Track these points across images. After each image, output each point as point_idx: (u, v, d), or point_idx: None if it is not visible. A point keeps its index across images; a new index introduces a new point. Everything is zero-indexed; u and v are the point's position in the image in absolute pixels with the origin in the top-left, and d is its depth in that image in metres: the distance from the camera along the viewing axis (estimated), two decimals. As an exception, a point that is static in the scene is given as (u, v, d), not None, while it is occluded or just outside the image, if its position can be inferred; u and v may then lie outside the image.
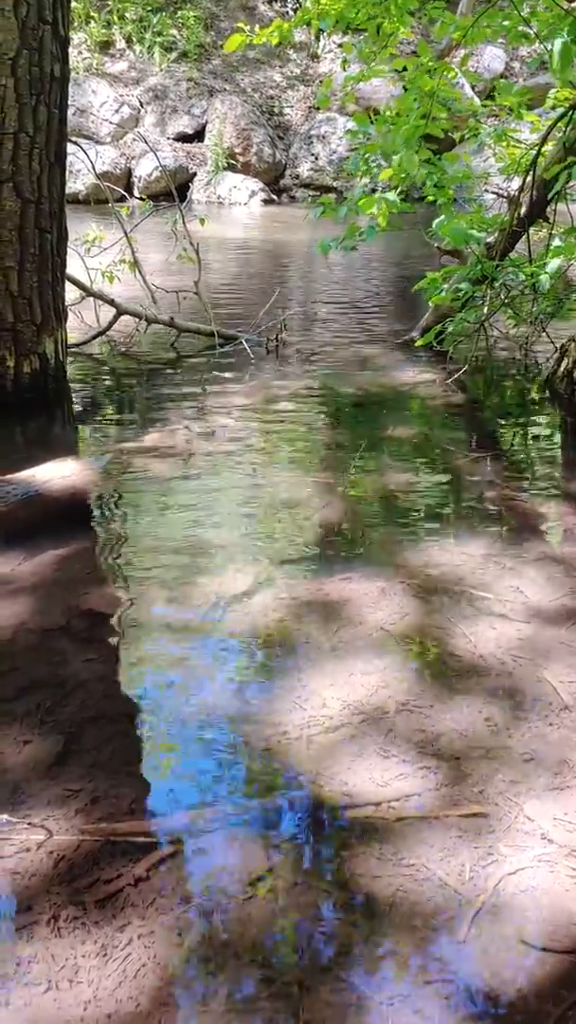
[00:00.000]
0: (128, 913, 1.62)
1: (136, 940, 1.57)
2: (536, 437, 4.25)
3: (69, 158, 4.51)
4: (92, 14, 14.68)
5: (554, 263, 4.36)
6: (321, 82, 14.98)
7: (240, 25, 5.51)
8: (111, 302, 5.41)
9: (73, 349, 5.10)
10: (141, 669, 2.37)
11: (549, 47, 3.76)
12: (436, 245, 5.54)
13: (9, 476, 3.44)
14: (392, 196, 4.08)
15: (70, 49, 4.27)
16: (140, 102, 14.45)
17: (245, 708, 2.19)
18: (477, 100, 12.23)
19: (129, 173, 13.56)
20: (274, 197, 14.07)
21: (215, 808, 1.88)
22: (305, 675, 2.32)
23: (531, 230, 5.14)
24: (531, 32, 4.77)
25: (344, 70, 5.94)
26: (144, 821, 1.83)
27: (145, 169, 13.30)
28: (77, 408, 4.48)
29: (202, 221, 5.93)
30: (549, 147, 4.96)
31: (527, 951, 1.57)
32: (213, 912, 1.62)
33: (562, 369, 4.70)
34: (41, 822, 1.81)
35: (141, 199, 6.30)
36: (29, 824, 1.81)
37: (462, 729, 2.11)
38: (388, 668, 2.34)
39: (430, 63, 4.65)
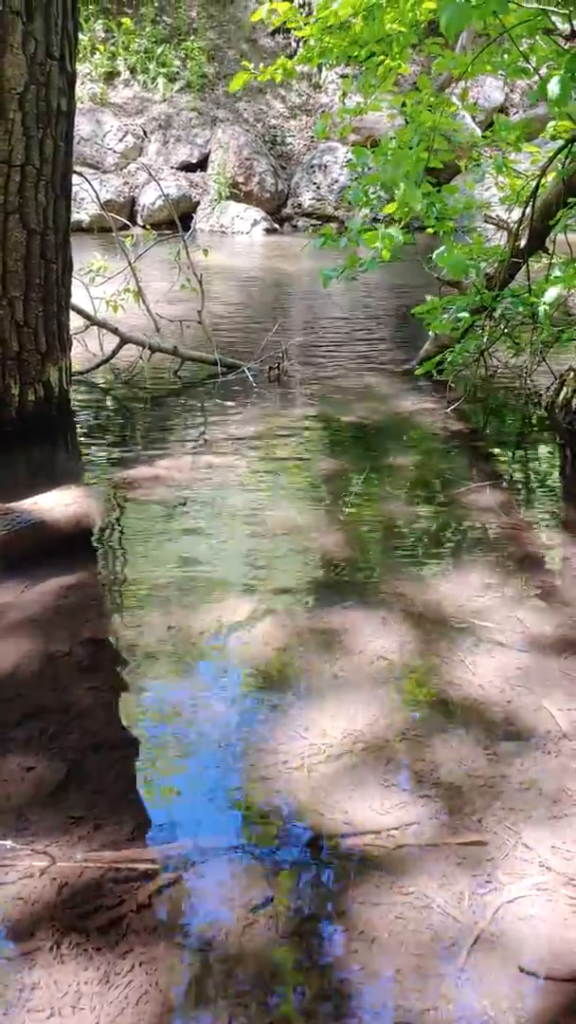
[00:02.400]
0: (130, 940, 1.63)
1: (138, 967, 1.58)
2: (535, 467, 4.29)
3: (73, 188, 4.58)
4: (98, 46, 14.89)
5: (552, 292, 4.41)
6: (323, 112, 15.17)
7: (245, 64, 5.60)
8: (115, 331, 5.47)
9: (77, 377, 5.14)
10: (143, 697, 2.39)
11: (548, 84, 3.83)
12: (437, 276, 5.59)
13: (13, 504, 3.47)
14: (395, 231, 4.14)
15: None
16: (144, 131, 14.61)
17: (246, 736, 2.21)
18: (478, 131, 12.37)
19: (133, 202, 13.70)
20: (276, 226, 14.19)
21: (216, 836, 1.89)
22: (306, 704, 2.34)
23: (531, 260, 5.19)
24: (530, 67, 4.85)
25: (343, 103, 6.04)
26: (146, 848, 1.85)
27: (149, 198, 13.43)
28: (81, 436, 4.52)
29: (205, 252, 6.00)
30: (549, 178, 5.03)
31: (525, 979, 1.58)
32: (214, 939, 1.64)
33: (561, 398, 4.74)
34: (44, 848, 1.83)
35: (144, 228, 6.37)
36: (32, 850, 1.83)
37: (461, 758, 2.13)
38: (388, 697, 2.36)
39: (430, 98, 4.73)
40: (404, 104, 4.75)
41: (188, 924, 1.67)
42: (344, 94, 5.67)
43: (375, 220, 5.89)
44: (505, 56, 5.00)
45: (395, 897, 1.73)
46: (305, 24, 4.94)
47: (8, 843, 1.84)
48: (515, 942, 1.65)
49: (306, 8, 12.75)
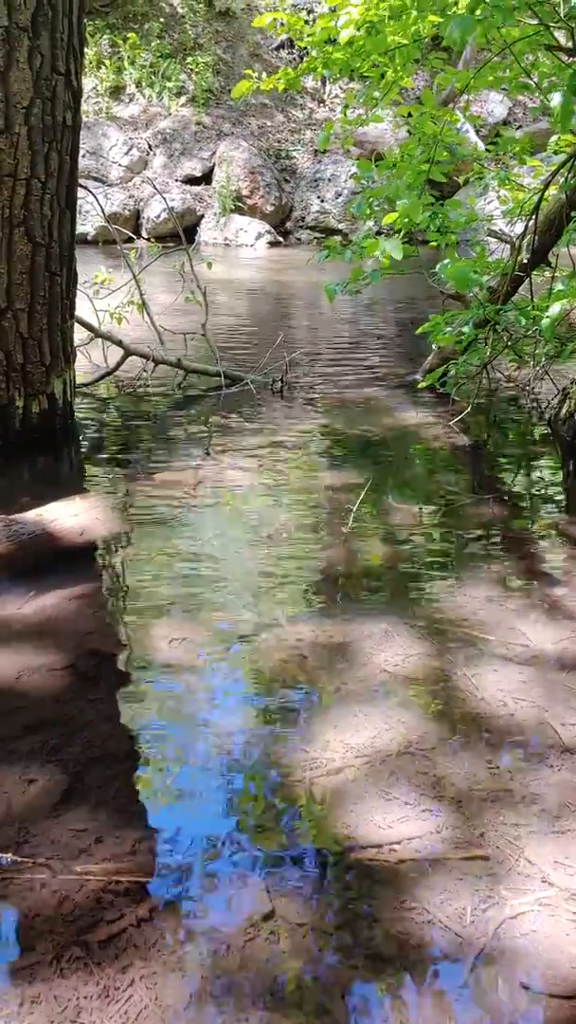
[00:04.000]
0: (130, 954, 1.63)
1: (138, 981, 1.57)
2: (539, 480, 4.29)
3: (79, 201, 4.60)
4: (104, 60, 14.99)
5: (555, 307, 4.42)
6: (326, 123, 15.23)
7: (248, 72, 5.63)
8: (119, 343, 5.49)
9: (81, 389, 5.16)
10: (145, 709, 2.39)
11: (550, 98, 3.84)
12: (440, 289, 5.61)
13: (17, 515, 3.47)
14: (395, 243, 4.14)
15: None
16: (149, 145, 14.69)
17: (248, 750, 2.21)
18: (481, 145, 12.42)
19: (138, 215, 13.76)
20: (280, 239, 14.24)
21: (217, 849, 1.89)
22: (308, 717, 2.33)
23: (534, 274, 5.21)
24: (532, 83, 4.87)
25: (346, 115, 6.07)
26: (147, 861, 1.84)
27: (154, 211, 13.49)
28: (84, 448, 4.53)
29: (209, 265, 6.02)
30: (552, 192, 5.05)
31: (528, 996, 1.57)
32: (215, 954, 1.63)
33: (564, 412, 4.74)
34: (45, 861, 1.83)
35: (149, 241, 6.40)
36: (33, 863, 1.82)
37: (464, 772, 2.12)
38: (391, 710, 2.36)
39: (433, 111, 4.75)
40: (409, 115, 4.77)
41: (189, 938, 1.67)
42: (346, 107, 5.69)
43: (379, 232, 5.90)
44: (507, 71, 5.03)
45: (397, 912, 1.72)
46: (309, 36, 4.97)
47: (9, 856, 1.84)
48: (517, 958, 1.64)
49: (311, 22, 12.82)
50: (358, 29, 4.49)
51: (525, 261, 5.04)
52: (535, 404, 5.35)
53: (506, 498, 3.94)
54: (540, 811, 2.00)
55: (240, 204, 14.12)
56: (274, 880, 1.80)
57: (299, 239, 14.52)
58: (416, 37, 4.75)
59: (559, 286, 4.82)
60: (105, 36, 15.20)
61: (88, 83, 14.51)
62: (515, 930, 1.69)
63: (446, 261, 4.71)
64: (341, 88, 15.78)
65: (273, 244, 13.93)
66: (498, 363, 5.44)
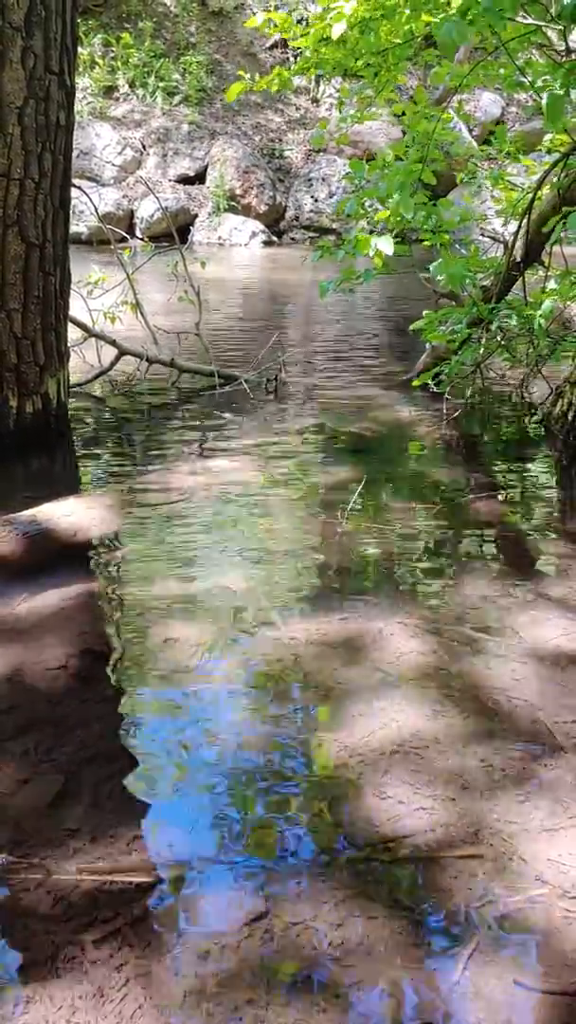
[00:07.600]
0: (125, 953, 1.63)
1: (133, 981, 1.57)
2: (532, 478, 4.29)
3: (72, 201, 4.60)
4: (97, 60, 14.97)
5: (547, 304, 4.43)
6: (320, 121, 15.23)
7: (241, 73, 5.63)
8: (112, 343, 5.48)
9: (75, 389, 5.15)
10: (139, 710, 2.39)
11: (542, 97, 3.85)
12: (433, 288, 5.61)
13: (11, 515, 3.47)
14: (387, 240, 4.15)
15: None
16: (143, 144, 14.68)
17: (242, 749, 2.21)
18: (475, 144, 12.43)
19: (131, 214, 13.75)
20: (274, 239, 14.25)
21: (213, 848, 1.89)
22: (303, 717, 2.34)
23: (527, 273, 5.21)
24: (526, 81, 4.87)
25: (340, 111, 6.07)
26: (142, 861, 1.84)
27: (147, 210, 13.49)
28: (78, 448, 4.52)
29: (203, 264, 6.02)
30: (545, 190, 5.05)
31: (521, 993, 1.58)
32: (210, 952, 1.63)
33: (557, 410, 4.75)
34: (40, 861, 1.83)
35: (143, 240, 6.39)
36: (28, 864, 1.82)
37: (458, 770, 2.13)
38: (385, 709, 2.36)
39: (427, 110, 4.75)
40: (403, 112, 4.77)
41: (183, 937, 1.67)
42: (341, 103, 5.70)
43: (371, 232, 5.92)
44: (502, 70, 5.03)
45: (391, 910, 1.73)
46: (302, 35, 4.97)
47: (3, 856, 1.84)
48: (511, 956, 1.64)
49: (304, 23, 12.82)
50: (350, 28, 4.48)
51: (518, 260, 5.04)
52: (529, 402, 5.35)
53: (500, 496, 3.94)
54: (534, 810, 2.00)
55: (234, 204, 14.12)
56: (269, 879, 1.80)
57: (293, 239, 14.52)
58: (409, 36, 4.75)
59: (552, 284, 4.83)
60: (98, 35, 15.19)
61: (81, 83, 14.49)
62: (508, 928, 1.69)
63: (439, 260, 4.71)
64: (335, 88, 15.78)
65: (267, 244, 13.94)
66: (491, 362, 5.44)
